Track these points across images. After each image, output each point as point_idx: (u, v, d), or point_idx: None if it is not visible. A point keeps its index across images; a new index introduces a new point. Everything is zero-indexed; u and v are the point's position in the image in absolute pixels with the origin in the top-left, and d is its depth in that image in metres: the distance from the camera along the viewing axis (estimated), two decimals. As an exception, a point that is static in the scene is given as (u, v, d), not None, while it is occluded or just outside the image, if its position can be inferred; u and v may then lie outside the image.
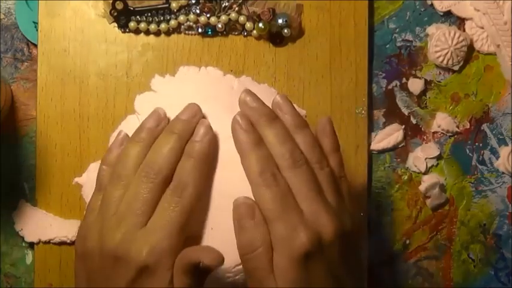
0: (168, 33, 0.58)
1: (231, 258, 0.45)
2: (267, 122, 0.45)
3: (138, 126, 0.47)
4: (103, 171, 0.48)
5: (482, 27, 0.61)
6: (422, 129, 0.62)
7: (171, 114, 0.48)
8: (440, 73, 0.62)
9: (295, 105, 0.50)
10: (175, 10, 0.57)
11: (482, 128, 0.62)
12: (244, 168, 0.44)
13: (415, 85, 0.61)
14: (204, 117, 0.47)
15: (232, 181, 0.46)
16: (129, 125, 0.50)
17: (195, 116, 0.46)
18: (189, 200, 0.44)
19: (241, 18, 0.57)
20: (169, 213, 0.43)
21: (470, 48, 0.61)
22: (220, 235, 0.45)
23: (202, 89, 0.51)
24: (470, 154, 0.62)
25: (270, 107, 0.47)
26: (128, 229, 0.43)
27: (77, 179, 0.56)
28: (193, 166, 0.44)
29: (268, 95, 0.52)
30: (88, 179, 0.54)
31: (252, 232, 0.43)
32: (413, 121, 0.62)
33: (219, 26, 0.57)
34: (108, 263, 0.43)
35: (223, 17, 0.57)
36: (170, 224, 0.43)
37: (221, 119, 0.47)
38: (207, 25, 0.58)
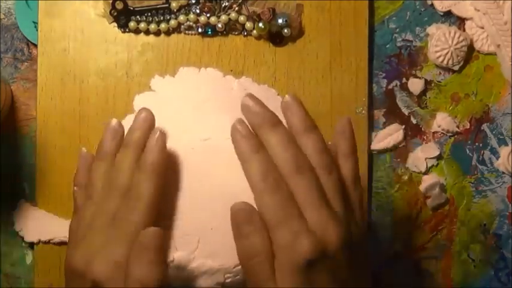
0: (168, 33, 0.58)
1: (231, 259, 0.45)
2: (270, 127, 0.44)
3: (99, 144, 0.48)
4: (75, 193, 0.49)
5: (482, 27, 0.61)
6: (423, 129, 0.62)
7: (170, 114, 0.48)
8: (440, 73, 0.62)
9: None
10: (175, 10, 0.57)
11: (482, 128, 0.62)
12: (246, 175, 0.43)
13: (415, 85, 0.61)
14: (153, 120, 0.46)
15: (232, 181, 0.46)
16: (129, 125, 0.50)
17: (145, 121, 0.46)
18: (144, 211, 0.43)
19: (241, 18, 0.57)
20: (125, 225, 0.43)
21: (470, 48, 0.61)
22: (220, 235, 0.45)
23: (202, 89, 0.51)
24: (470, 154, 0.63)
25: (271, 108, 0.47)
26: (88, 245, 0.43)
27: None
28: (145, 179, 0.43)
29: (268, 95, 0.52)
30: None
31: (251, 239, 0.42)
32: (414, 121, 0.62)
33: (219, 25, 0.57)
34: (69, 279, 0.44)
35: (223, 17, 0.57)
36: (124, 237, 0.42)
37: (221, 120, 0.47)
38: (207, 25, 0.58)
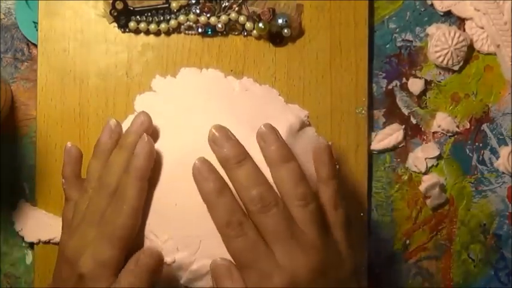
0: (168, 33, 0.58)
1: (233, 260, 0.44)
2: (236, 163, 0.44)
3: (96, 142, 0.49)
4: (63, 185, 0.51)
5: (482, 27, 0.61)
6: (422, 129, 0.62)
7: (172, 115, 0.48)
8: (440, 73, 0.62)
9: (296, 105, 0.51)
10: (175, 10, 0.57)
11: (482, 128, 0.62)
12: (212, 218, 0.44)
13: (415, 85, 0.61)
14: (150, 125, 0.47)
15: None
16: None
17: (142, 125, 0.47)
18: (128, 213, 0.44)
19: (241, 18, 0.57)
20: (111, 226, 0.44)
21: (470, 48, 0.61)
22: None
23: (203, 90, 0.51)
24: (470, 154, 0.62)
25: (270, 106, 0.47)
26: (80, 237, 0.45)
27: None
28: (129, 183, 0.44)
29: (269, 96, 0.52)
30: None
31: None
32: (413, 121, 0.62)
33: (219, 26, 0.57)
34: (60, 264, 0.47)
35: (223, 17, 0.57)
36: (111, 237, 0.44)
37: (221, 121, 0.47)
38: (207, 25, 0.58)
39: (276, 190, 0.44)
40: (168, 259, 0.45)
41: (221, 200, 0.43)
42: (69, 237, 0.46)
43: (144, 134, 0.46)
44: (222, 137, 0.44)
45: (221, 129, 0.45)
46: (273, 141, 0.45)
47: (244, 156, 0.44)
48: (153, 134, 0.48)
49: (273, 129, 0.45)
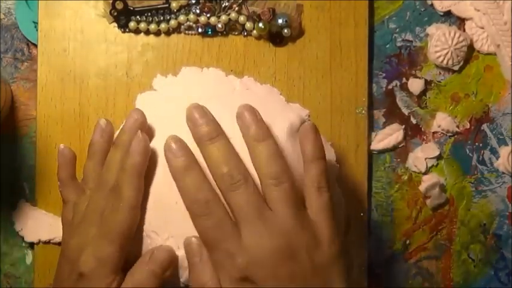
0: (168, 33, 0.58)
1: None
2: (208, 140, 0.44)
3: (89, 144, 0.50)
4: (59, 188, 0.51)
5: (482, 27, 0.61)
6: (422, 129, 0.62)
7: (173, 114, 0.48)
8: (440, 73, 0.62)
9: (297, 104, 0.51)
10: (175, 10, 0.57)
11: (482, 128, 0.62)
12: (181, 197, 0.44)
13: (415, 85, 0.61)
14: (144, 122, 0.47)
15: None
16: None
17: (135, 123, 0.47)
18: (126, 211, 0.44)
19: (241, 18, 0.57)
20: (110, 223, 0.44)
21: (470, 48, 0.61)
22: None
23: (205, 89, 0.51)
24: (470, 154, 0.63)
25: (271, 105, 0.47)
26: (82, 235, 0.46)
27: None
28: (125, 180, 0.45)
29: (270, 95, 0.52)
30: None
31: (200, 268, 0.44)
32: (413, 121, 0.62)
33: (219, 26, 0.57)
34: (62, 263, 0.47)
35: (223, 17, 0.57)
36: (110, 235, 0.44)
37: (223, 120, 0.47)
38: (207, 25, 0.58)
39: (254, 173, 0.44)
40: None
41: (188, 177, 0.43)
42: (70, 236, 0.47)
43: (139, 131, 0.46)
44: (198, 115, 0.45)
45: (198, 107, 0.45)
46: (250, 120, 0.44)
47: (217, 133, 0.44)
48: (153, 133, 0.48)
49: (252, 109, 0.45)
